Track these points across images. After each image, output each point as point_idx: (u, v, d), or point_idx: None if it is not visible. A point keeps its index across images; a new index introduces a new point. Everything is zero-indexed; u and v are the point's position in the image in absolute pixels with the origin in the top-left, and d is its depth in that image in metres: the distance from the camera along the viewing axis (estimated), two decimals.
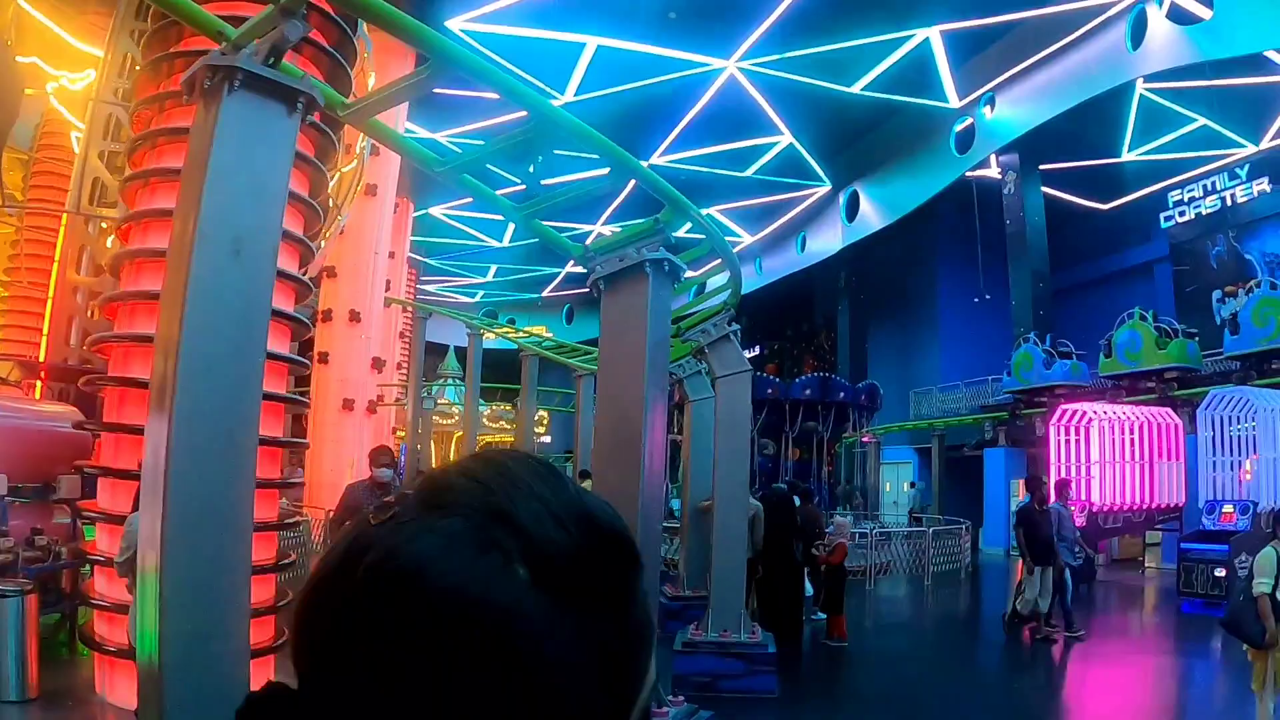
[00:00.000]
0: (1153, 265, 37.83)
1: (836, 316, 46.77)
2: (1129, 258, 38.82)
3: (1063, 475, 21.76)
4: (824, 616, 14.77)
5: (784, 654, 12.28)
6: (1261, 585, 8.04)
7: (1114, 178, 36.47)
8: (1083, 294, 38.56)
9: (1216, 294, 30.76)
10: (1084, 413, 21.93)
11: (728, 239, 46.74)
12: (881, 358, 44.36)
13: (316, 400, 21.79)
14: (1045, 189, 35.32)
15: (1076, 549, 15.75)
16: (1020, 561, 14.83)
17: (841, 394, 25.58)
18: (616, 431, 7.62)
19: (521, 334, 29.77)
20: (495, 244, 47.16)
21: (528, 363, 30.01)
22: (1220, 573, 16.46)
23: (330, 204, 16.69)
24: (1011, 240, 33.79)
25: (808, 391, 25.17)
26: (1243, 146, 32.48)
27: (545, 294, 59.32)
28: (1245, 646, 8.57)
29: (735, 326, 11.54)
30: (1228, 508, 17.77)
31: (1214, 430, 19.03)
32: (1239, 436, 18.83)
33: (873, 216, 38.41)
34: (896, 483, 40.64)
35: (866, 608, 18.09)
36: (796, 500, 15.55)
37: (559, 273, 54.72)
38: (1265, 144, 32.27)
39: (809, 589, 15.41)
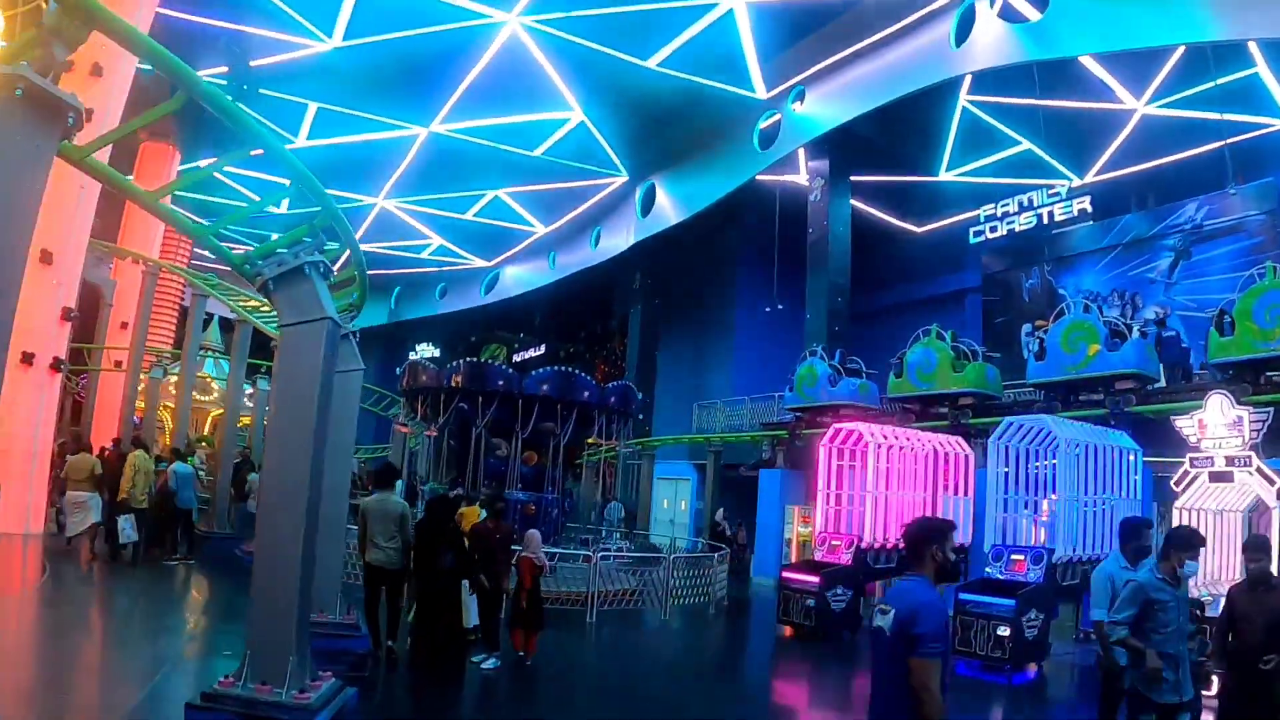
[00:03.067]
0: (964, 294, 36.37)
1: (629, 321, 43.88)
2: (940, 285, 37.16)
3: (833, 505, 18.88)
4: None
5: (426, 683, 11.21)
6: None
7: (929, 199, 35.07)
8: (889, 319, 36.37)
9: (1026, 327, 28.47)
10: (859, 434, 18.78)
11: (518, 226, 44.26)
12: (671, 367, 41.83)
13: None
14: (857, 203, 33.51)
15: None
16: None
17: (586, 393, 21.94)
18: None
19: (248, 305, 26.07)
20: (273, 209, 42.45)
21: (239, 329, 26.62)
22: (1004, 631, 13.69)
23: None
24: (813, 249, 31.46)
25: (545, 387, 21.44)
26: (1066, 178, 30.64)
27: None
28: None
29: (321, 258, 8.04)
30: (1018, 555, 14.88)
31: (1007, 464, 16.17)
32: (1037, 475, 16.02)
33: (668, 211, 35.87)
34: (675, 500, 37.63)
35: (569, 648, 14.79)
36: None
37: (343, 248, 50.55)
38: (1090, 178, 30.48)
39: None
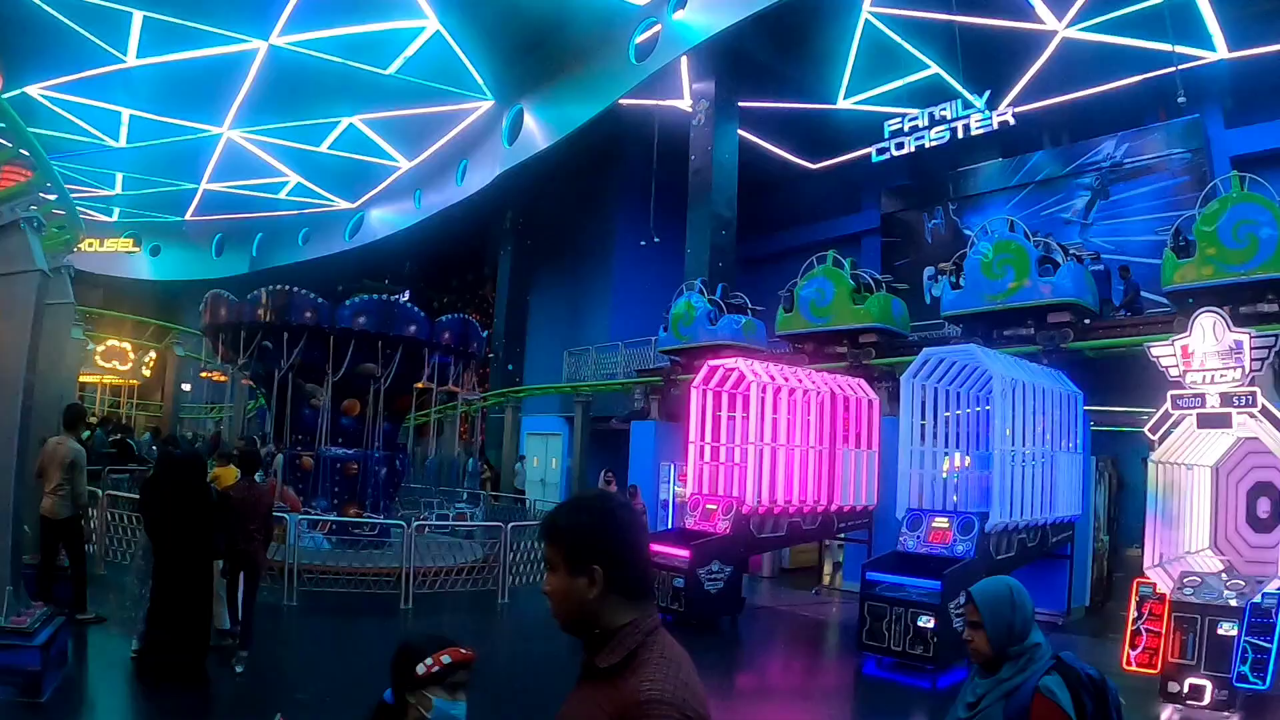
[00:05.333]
0: (861, 237, 33.46)
1: (499, 264, 40.33)
2: (836, 227, 34.31)
3: (708, 460, 15.63)
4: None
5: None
6: None
7: (826, 131, 31.67)
8: (779, 265, 33.09)
9: (929, 270, 25.66)
10: (740, 373, 15.42)
11: (379, 160, 40.36)
12: (545, 313, 38.65)
13: None
14: (747, 135, 30.35)
15: None
16: None
17: (413, 327, 18.20)
18: None
19: None
20: (112, 142, 37.84)
21: None
22: (926, 621, 10.71)
23: None
24: (695, 178, 28.17)
25: (361, 319, 17.64)
26: (978, 111, 27.38)
27: (189, 216, 50.04)
28: None
29: (35, 213, 8.44)
30: (940, 521, 11.76)
31: (923, 409, 13.24)
32: (964, 419, 12.93)
33: (537, 137, 32.13)
34: (545, 457, 34.46)
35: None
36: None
37: (196, 189, 45.92)
38: (1003, 108, 27.18)
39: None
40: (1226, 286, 14.06)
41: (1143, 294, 20.17)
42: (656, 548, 14.51)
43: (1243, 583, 9.93)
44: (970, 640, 3.92)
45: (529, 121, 32.80)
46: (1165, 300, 16.53)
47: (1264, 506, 11.82)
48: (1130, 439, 16.74)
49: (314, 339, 17.46)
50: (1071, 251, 17.50)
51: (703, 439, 15.61)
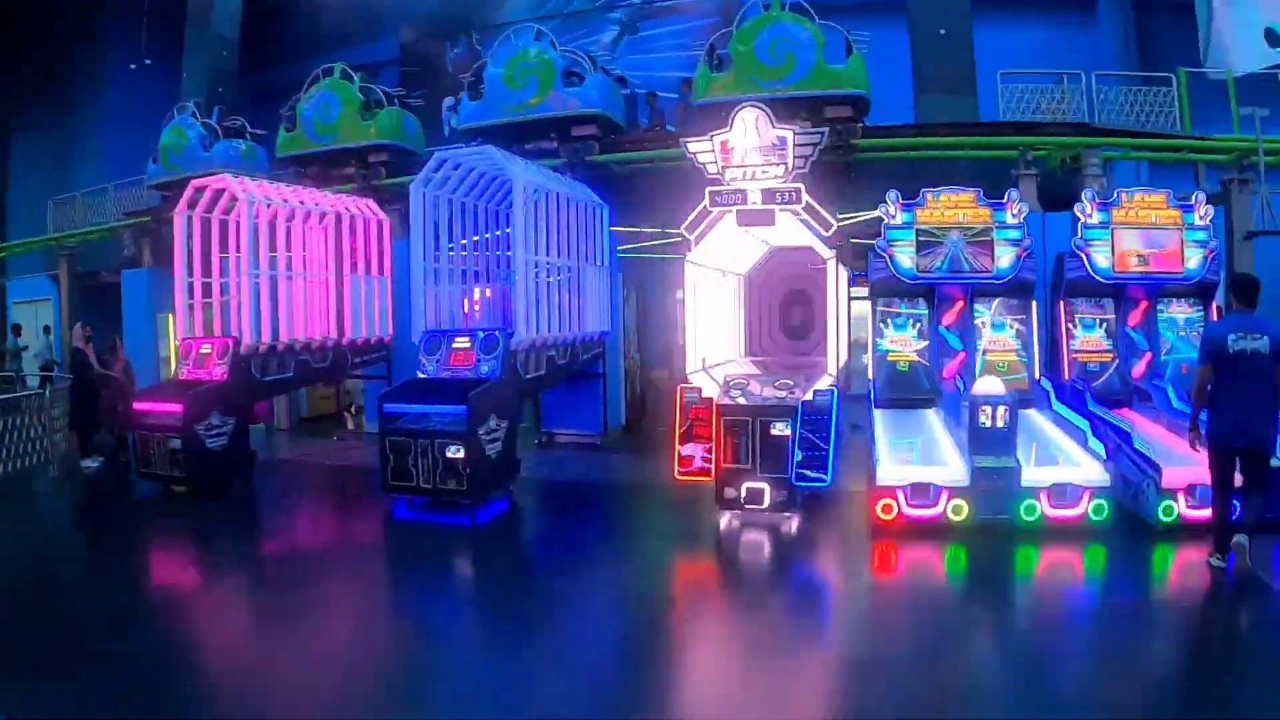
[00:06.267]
0: (379, 67, 31.25)
1: None
2: (352, 57, 31.48)
3: (199, 298, 13.71)
4: None
5: None
6: None
7: None
8: (290, 98, 31.21)
9: (448, 101, 24.51)
10: (231, 193, 13.25)
11: None
12: (29, 161, 34.17)
13: None
14: None
15: None
16: None
17: None
18: None
19: None
20: None
21: None
22: (456, 451, 9.56)
23: None
24: None
25: None
26: None
27: None
28: None
29: None
30: (461, 341, 10.66)
31: (437, 227, 11.93)
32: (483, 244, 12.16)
33: None
34: (37, 326, 30.20)
35: None
36: None
37: None
38: None
39: None
40: (762, 101, 13.72)
41: (668, 126, 19.83)
42: (144, 406, 12.32)
43: (791, 383, 9.46)
44: None
45: None
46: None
47: (797, 315, 12.00)
48: (651, 266, 16.49)
49: None
50: (599, 65, 16.78)
51: (191, 274, 13.43)
